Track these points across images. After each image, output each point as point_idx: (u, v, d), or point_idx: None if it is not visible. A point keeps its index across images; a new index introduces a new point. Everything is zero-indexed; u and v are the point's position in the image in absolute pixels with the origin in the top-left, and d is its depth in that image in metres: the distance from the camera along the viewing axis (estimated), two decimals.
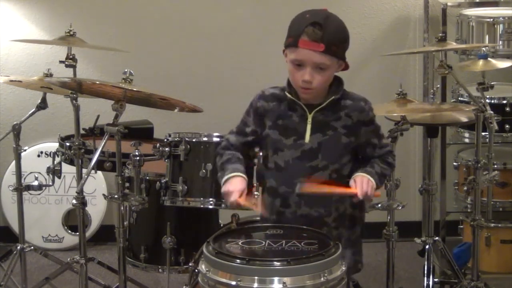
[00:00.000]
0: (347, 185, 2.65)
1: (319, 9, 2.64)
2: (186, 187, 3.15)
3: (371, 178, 2.65)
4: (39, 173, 4.33)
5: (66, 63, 3.52)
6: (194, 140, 3.17)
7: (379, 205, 2.99)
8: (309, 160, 2.67)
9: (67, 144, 3.60)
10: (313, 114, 2.67)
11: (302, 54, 2.58)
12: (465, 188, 3.34)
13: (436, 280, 3.70)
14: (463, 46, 4.14)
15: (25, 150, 3.99)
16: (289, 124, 2.68)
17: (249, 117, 2.75)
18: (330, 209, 2.69)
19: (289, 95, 2.68)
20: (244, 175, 2.68)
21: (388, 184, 3.01)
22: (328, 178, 2.66)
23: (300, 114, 2.68)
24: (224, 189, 2.66)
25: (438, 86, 4.12)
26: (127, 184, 3.10)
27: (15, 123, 3.70)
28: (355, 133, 2.69)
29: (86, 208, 3.65)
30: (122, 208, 2.95)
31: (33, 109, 3.72)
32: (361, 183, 2.60)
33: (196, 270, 2.95)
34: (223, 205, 3.13)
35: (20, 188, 3.74)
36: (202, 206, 3.17)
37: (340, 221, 2.73)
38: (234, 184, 2.64)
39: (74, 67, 3.54)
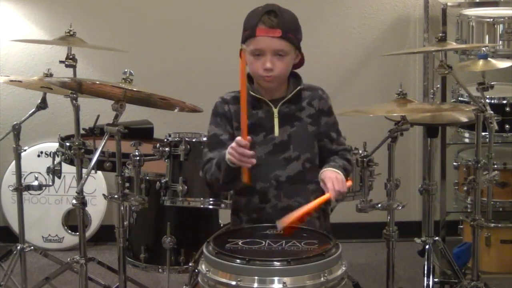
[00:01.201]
0: (319, 191, 2.66)
1: (270, 3, 2.70)
2: (186, 187, 3.16)
3: (338, 171, 2.65)
4: (39, 173, 4.33)
5: (66, 63, 3.52)
6: (194, 140, 3.18)
7: (379, 205, 2.98)
8: (282, 152, 2.70)
9: (67, 144, 3.60)
10: (279, 108, 2.71)
11: (260, 42, 2.64)
12: (465, 188, 3.34)
13: (436, 280, 3.70)
14: (463, 46, 4.14)
15: (25, 150, 3.99)
16: (256, 121, 2.71)
17: (219, 127, 2.73)
18: (309, 199, 2.70)
19: (252, 93, 2.71)
20: None
21: (388, 184, 3.01)
22: (302, 168, 2.70)
23: (266, 110, 2.72)
24: (230, 151, 2.53)
25: (438, 86, 4.12)
26: (127, 184, 3.11)
27: (15, 123, 3.70)
28: (317, 121, 2.74)
29: (86, 208, 3.64)
30: (122, 208, 2.95)
31: (33, 109, 3.72)
32: (332, 183, 2.58)
33: (196, 270, 2.96)
34: (222, 205, 3.13)
35: (20, 188, 3.74)
36: (202, 206, 3.18)
37: (319, 212, 2.76)
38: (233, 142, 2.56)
39: (74, 67, 3.54)
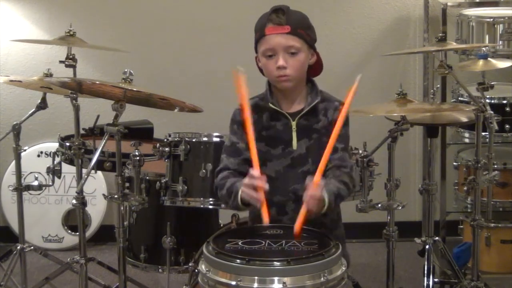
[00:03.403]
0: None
1: (278, 5, 2.69)
2: (186, 187, 3.16)
3: (326, 199, 2.54)
4: (39, 173, 4.33)
5: (66, 63, 3.52)
6: (194, 140, 3.18)
7: (379, 205, 2.98)
8: (300, 166, 2.69)
9: (67, 144, 3.60)
10: (297, 121, 2.69)
11: (270, 41, 2.63)
12: (465, 188, 3.34)
13: (436, 280, 3.70)
14: (463, 46, 4.14)
15: (25, 150, 3.99)
16: (274, 133, 2.70)
17: (236, 135, 2.72)
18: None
19: (272, 105, 2.69)
20: None
21: (388, 184, 3.01)
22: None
23: (284, 122, 2.70)
24: (243, 188, 2.54)
25: (438, 86, 4.12)
26: (127, 184, 3.10)
27: (15, 123, 3.70)
28: (330, 132, 2.66)
29: (86, 208, 3.64)
30: (122, 208, 2.95)
31: (33, 109, 3.72)
32: (308, 199, 2.50)
33: (196, 270, 2.95)
34: (223, 205, 3.13)
35: (20, 188, 3.74)
36: (202, 206, 3.18)
37: (335, 220, 2.76)
38: (247, 177, 2.56)
39: (74, 67, 3.54)
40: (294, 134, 2.69)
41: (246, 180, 2.54)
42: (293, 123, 2.69)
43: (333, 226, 2.73)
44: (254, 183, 2.51)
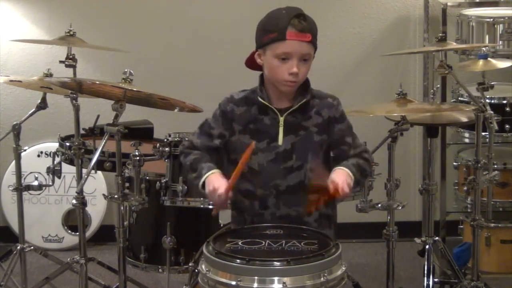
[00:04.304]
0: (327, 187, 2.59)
1: (292, 6, 2.67)
2: (186, 187, 3.16)
3: (349, 172, 2.62)
4: (39, 173, 4.33)
5: (66, 63, 3.52)
6: None
7: (379, 205, 2.98)
8: (284, 161, 2.68)
9: (67, 144, 3.60)
10: (285, 117, 2.69)
11: (290, 46, 2.61)
12: (465, 188, 3.35)
13: (436, 280, 3.70)
14: (463, 46, 4.14)
15: (25, 150, 3.99)
16: (261, 127, 2.69)
17: (216, 120, 2.73)
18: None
19: (261, 100, 2.69)
20: (221, 172, 2.65)
21: (388, 184, 3.01)
22: (304, 178, 2.66)
23: (272, 117, 2.70)
24: (209, 188, 2.60)
25: (438, 86, 4.11)
26: (127, 184, 3.11)
27: (15, 123, 3.71)
28: (327, 130, 2.69)
29: (86, 208, 3.64)
30: (122, 208, 2.95)
31: (33, 109, 3.72)
32: (339, 180, 2.54)
33: (196, 270, 2.96)
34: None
35: (20, 188, 3.74)
36: (202, 206, 3.18)
37: (321, 221, 2.73)
38: (218, 181, 2.60)
39: (74, 67, 3.54)
40: (281, 130, 2.68)
41: (211, 188, 2.58)
42: (281, 119, 2.69)
43: (318, 225, 2.71)
44: (215, 198, 2.59)
